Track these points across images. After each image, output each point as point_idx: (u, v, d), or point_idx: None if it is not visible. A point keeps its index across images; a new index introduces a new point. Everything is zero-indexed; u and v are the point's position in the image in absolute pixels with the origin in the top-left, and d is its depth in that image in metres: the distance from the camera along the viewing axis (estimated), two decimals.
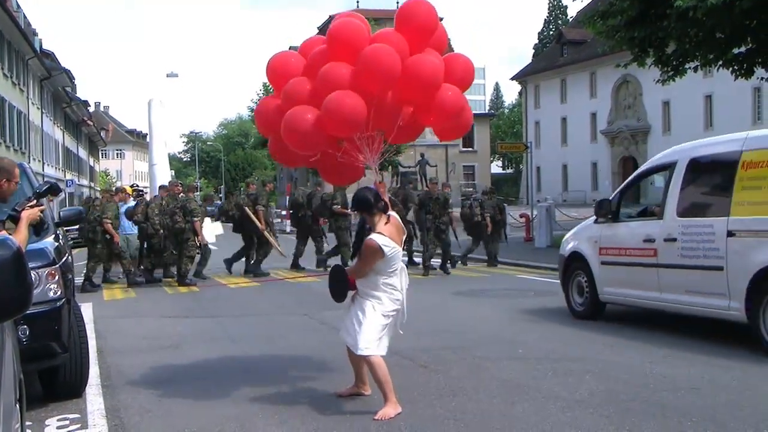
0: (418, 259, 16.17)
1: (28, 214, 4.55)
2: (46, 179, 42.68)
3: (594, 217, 9.62)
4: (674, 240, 8.03)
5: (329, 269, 6.43)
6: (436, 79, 5.86)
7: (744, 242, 7.24)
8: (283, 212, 32.07)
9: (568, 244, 10.06)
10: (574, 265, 9.75)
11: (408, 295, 5.72)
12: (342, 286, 5.67)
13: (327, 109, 5.67)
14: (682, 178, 8.20)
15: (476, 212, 16.65)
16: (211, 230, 15.98)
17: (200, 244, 14.69)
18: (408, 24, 6.02)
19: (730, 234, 7.36)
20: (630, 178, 9.68)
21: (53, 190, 5.11)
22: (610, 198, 9.54)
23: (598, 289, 9.26)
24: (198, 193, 26.92)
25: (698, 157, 8.25)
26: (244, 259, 16.07)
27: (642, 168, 9.56)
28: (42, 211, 4.69)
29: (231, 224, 16.60)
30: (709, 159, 8.19)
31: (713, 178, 8.20)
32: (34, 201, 4.73)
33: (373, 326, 5.43)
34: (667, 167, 8.60)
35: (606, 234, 9.26)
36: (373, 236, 5.43)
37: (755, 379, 6.12)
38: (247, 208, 15.58)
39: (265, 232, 15.47)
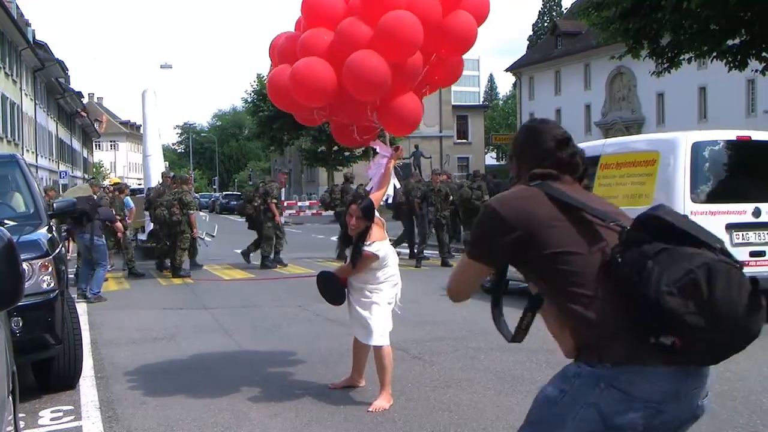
0: (429, 253, 16.25)
1: None
2: (39, 171, 42.55)
3: None
4: None
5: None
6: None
7: None
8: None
9: None
10: None
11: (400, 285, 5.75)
12: (337, 291, 5.68)
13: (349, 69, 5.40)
14: None
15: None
16: None
17: (194, 237, 14.64)
18: None
19: None
20: None
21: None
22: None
23: None
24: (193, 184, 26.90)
25: None
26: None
27: None
28: None
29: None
30: None
31: None
32: None
33: (383, 317, 5.53)
34: None
35: None
36: (368, 249, 5.44)
37: (747, 370, 6.14)
38: None
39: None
